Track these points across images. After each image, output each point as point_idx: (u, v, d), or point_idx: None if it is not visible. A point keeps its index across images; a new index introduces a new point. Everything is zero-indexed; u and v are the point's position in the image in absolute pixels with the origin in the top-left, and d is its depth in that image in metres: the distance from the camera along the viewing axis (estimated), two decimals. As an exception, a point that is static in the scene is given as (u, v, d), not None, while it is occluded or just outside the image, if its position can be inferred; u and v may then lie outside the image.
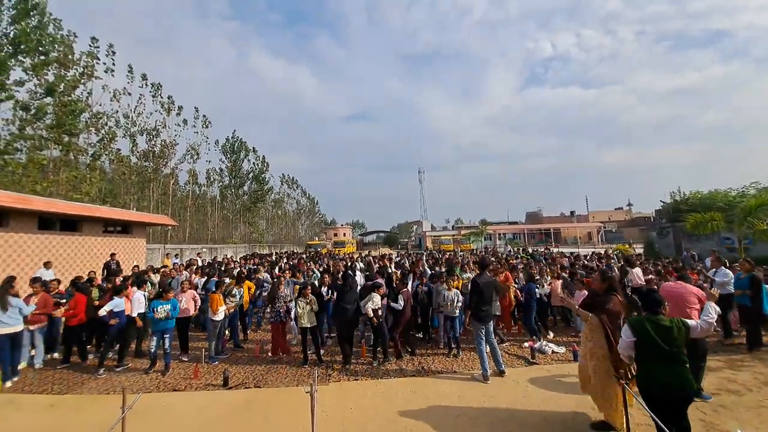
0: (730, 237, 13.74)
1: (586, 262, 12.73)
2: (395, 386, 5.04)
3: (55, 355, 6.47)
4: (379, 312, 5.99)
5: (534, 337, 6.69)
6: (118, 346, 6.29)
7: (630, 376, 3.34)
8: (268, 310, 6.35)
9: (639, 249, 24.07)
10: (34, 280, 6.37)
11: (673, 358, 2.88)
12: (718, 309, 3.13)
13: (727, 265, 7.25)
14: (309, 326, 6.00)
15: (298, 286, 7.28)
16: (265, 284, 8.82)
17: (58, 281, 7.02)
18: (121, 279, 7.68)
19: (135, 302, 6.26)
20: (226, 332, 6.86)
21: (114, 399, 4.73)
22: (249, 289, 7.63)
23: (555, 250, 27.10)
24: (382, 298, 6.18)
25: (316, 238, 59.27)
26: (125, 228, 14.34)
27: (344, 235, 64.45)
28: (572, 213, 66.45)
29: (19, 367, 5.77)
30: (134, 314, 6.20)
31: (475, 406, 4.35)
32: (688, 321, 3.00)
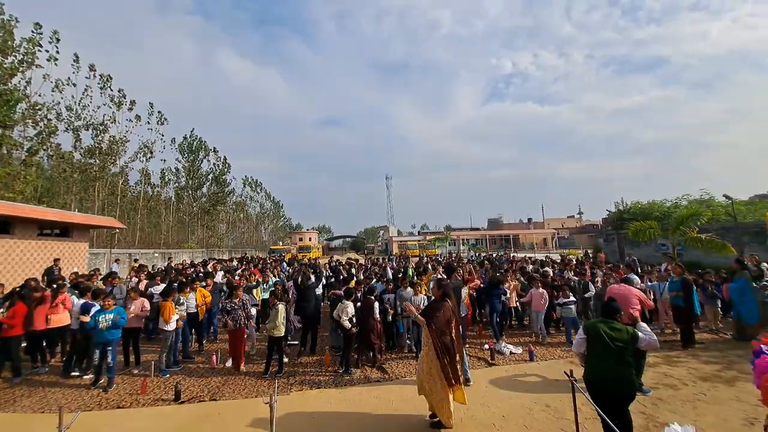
0: (666, 243, 15.16)
1: (544, 268, 13.44)
2: (359, 394, 4.98)
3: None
4: (353, 320, 5.92)
5: (495, 339, 6.94)
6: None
7: (453, 382, 3.78)
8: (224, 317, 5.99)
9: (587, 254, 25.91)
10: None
11: (619, 358, 3.11)
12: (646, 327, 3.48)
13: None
14: (277, 336, 5.76)
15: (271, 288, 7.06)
16: (224, 290, 8.42)
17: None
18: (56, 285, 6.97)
19: (74, 311, 5.70)
20: (179, 344, 6.43)
21: (50, 418, 4.26)
22: (204, 297, 7.21)
23: (513, 255, 28.44)
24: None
25: (280, 243, 57.58)
26: (64, 231, 13.07)
27: (309, 239, 63.18)
28: (529, 220, 70.29)
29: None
30: (75, 325, 5.65)
31: (437, 409, 4.41)
32: (638, 333, 3.28)
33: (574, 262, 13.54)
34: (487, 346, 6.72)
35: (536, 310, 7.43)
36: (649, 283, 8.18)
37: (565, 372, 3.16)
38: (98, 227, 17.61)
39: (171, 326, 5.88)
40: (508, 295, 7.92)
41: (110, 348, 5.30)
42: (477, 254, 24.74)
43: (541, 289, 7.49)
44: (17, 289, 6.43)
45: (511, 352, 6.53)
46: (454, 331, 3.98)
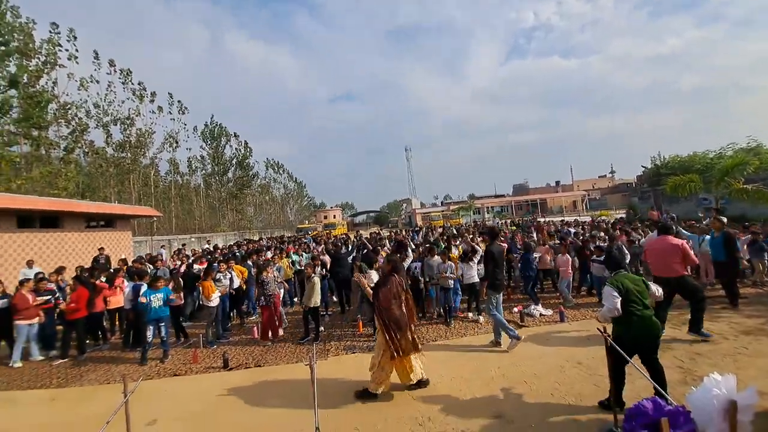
0: (708, 197, 14.22)
1: (573, 228, 13.05)
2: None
3: (53, 352, 6.41)
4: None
5: (534, 304, 6.92)
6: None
7: (401, 353, 3.88)
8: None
9: (622, 214, 24.81)
10: (21, 282, 6.25)
11: (646, 306, 3.25)
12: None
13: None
14: (312, 306, 6.12)
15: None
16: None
17: (44, 277, 6.91)
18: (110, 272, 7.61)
19: (126, 292, 6.25)
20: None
21: (115, 388, 4.77)
22: (242, 273, 7.65)
23: (541, 220, 27.69)
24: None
25: (306, 222, 59.07)
26: (109, 222, 14.02)
27: (334, 217, 64.26)
28: (557, 183, 67.46)
29: (16, 364, 5.79)
30: (128, 306, 6.19)
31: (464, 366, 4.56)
32: (649, 283, 3.42)
33: (605, 225, 13.01)
34: (516, 310, 6.75)
35: (562, 276, 7.31)
36: (685, 233, 7.73)
37: (598, 329, 3.15)
38: (138, 217, 18.75)
39: (213, 302, 6.32)
40: (537, 260, 7.79)
41: (163, 324, 5.80)
42: (504, 221, 24.26)
43: (566, 256, 7.33)
44: (78, 274, 7.08)
45: (540, 314, 6.55)
46: (405, 304, 4.13)
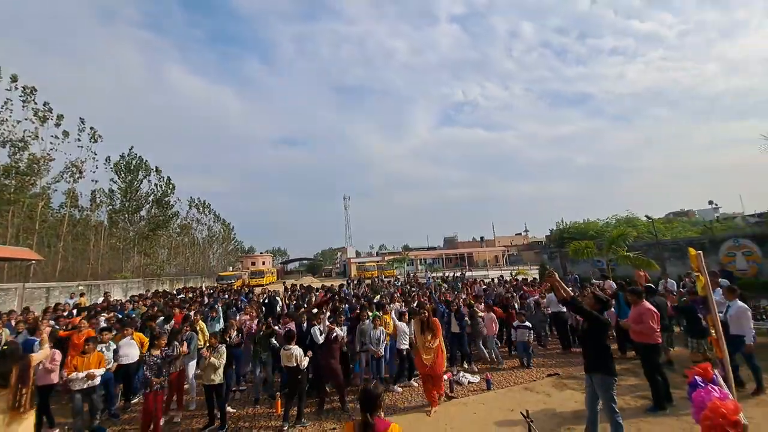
0: (601, 260, 16.55)
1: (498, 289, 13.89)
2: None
3: None
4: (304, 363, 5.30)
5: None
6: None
7: None
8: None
9: (535, 269, 27.56)
10: None
11: None
12: None
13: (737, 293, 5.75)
14: (217, 383, 5.14)
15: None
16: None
17: None
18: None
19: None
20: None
21: None
22: (142, 344, 6.36)
23: (468, 274, 29.31)
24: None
25: (230, 268, 54.19)
26: (-39, 266, 11.10)
27: (263, 263, 60.19)
28: (482, 238, 73.58)
29: None
30: None
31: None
32: None
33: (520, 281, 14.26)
34: (445, 377, 6.63)
35: (489, 335, 7.56)
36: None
37: (521, 413, 3.16)
38: (9, 260, 15.29)
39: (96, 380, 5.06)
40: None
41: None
42: (435, 278, 24.92)
43: (491, 313, 7.68)
44: None
45: (469, 382, 6.53)
46: None
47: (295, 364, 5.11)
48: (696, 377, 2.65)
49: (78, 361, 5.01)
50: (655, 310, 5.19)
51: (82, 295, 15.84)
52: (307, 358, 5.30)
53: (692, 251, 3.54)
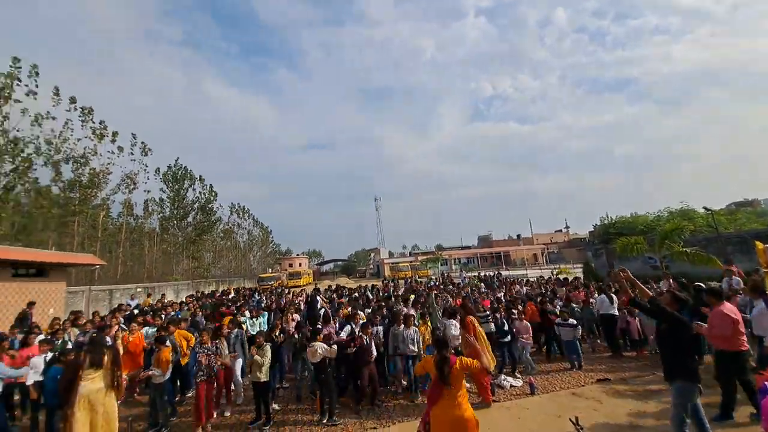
0: (653, 257, 15.36)
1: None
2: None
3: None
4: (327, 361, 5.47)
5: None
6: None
7: None
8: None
9: (578, 268, 26.07)
10: None
11: None
12: None
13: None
14: (263, 380, 5.37)
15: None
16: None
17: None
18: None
19: (32, 367, 5.28)
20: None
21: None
22: (188, 340, 6.80)
23: (504, 273, 28.40)
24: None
25: (269, 270, 56.39)
26: (40, 270, 12.44)
27: (300, 265, 62.07)
28: (518, 236, 70.76)
29: None
30: (29, 382, 5.21)
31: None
32: None
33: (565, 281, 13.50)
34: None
35: (524, 344, 7.12)
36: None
37: (570, 419, 2.99)
38: (76, 265, 16.91)
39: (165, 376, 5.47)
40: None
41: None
42: (470, 277, 24.40)
43: (525, 322, 7.29)
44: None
45: (511, 386, 6.30)
46: None
47: (318, 360, 5.29)
48: (766, 383, 2.39)
49: (156, 357, 5.45)
50: (736, 313, 4.67)
51: (149, 295, 17.32)
52: (334, 349, 5.42)
53: (759, 245, 3.19)
